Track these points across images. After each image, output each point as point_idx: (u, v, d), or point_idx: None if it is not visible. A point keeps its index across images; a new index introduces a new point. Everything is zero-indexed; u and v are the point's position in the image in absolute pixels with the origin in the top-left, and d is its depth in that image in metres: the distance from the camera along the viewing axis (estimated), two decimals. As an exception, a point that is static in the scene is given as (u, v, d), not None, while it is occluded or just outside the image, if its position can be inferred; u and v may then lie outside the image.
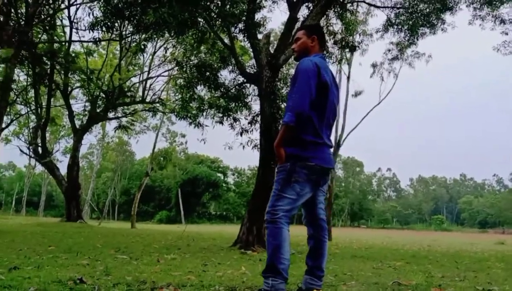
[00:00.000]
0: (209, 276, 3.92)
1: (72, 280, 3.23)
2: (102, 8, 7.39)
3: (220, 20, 8.41)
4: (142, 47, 12.34)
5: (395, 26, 12.53)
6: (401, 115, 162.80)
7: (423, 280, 4.02)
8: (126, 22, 7.91)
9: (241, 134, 10.81)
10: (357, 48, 11.61)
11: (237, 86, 10.49)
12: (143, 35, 10.79)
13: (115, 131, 20.92)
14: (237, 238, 8.51)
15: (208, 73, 9.70)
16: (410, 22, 11.96)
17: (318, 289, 2.82)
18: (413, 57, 16.38)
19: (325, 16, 11.02)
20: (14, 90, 12.92)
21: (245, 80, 10.10)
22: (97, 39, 10.63)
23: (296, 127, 2.67)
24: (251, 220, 8.36)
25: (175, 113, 11.34)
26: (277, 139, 2.76)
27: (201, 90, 10.92)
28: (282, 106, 8.35)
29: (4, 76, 11.68)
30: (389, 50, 15.73)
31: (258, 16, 11.07)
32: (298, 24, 8.93)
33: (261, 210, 8.45)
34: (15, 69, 16.36)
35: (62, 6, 15.57)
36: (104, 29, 7.41)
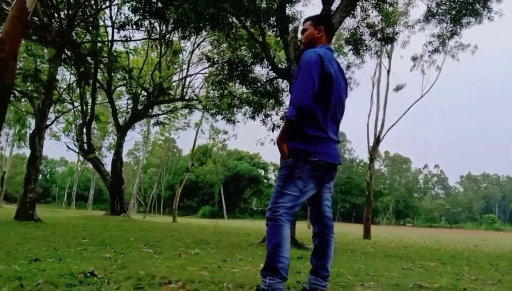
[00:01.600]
0: (222, 273, 3.85)
1: (83, 273, 3.27)
2: (132, 7, 7.53)
3: (251, 15, 8.31)
4: (177, 47, 12.46)
5: (437, 17, 11.91)
6: (447, 110, 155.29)
7: (450, 282, 3.75)
8: (154, 19, 7.99)
9: (272, 130, 10.70)
10: (394, 39, 11.11)
11: (269, 82, 10.36)
12: (180, 33, 10.94)
13: (153, 127, 21.44)
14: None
15: (240, 69, 9.66)
16: (453, 11, 11.30)
17: (323, 290, 2.68)
18: (457, 49, 15.49)
19: (361, 8, 10.67)
20: (59, 88, 13.49)
21: (276, 76, 9.94)
22: (128, 38, 10.86)
23: (299, 121, 2.54)
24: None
25: (207, 109, 11.42)
26: (279, 134, 2.67)
27: (234, 86, 10.91)
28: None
29: (48, 75, 12.21)
30: (430, 42, 14.95)
31: (292, 10, 10.93)
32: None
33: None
34: (62, 68, 17.19)
35: (103, 6, 16.07)
36: (134, 27, 7.57)
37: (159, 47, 14.18)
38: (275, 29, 8.64)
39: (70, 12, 13.38)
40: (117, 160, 20.40)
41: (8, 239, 6.61)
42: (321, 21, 2.93)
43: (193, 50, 20.76)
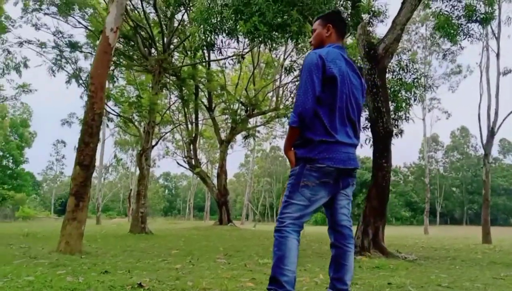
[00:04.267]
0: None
1: (131, 285, 3.51)
2: (202, 29, 7.95)
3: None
4: (241, 59, 12.79)
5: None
6: None
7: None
8: (225, 36, 8.31)
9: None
10: (492, 19, 9.82)
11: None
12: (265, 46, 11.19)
13: (244, 140, 22.06)
14: (352, 242, 8.05)
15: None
16: None
17: None
18: None
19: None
20: (160, 111, 14.82)
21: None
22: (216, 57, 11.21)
23: (303, 127, 2.45)
24: (366, 222, 7.81)
25: (287, 117, 11.41)
26: (284, 142, 2.58)
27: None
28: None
29: (150, 100, 13.45)
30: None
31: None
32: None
33: (377, 212, 7.87)
34: (165, 92, 18.76)
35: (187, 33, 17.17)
36: (206, 49, 8.00)
37: (238, 63, 14.71)
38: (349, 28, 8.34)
39: (165, 40, 14.64)
40: (222, 172, 21.49)
41: (110, 251, 7.39)
42: (329, 19, 2.76)
43: (284, 59, 21.04)
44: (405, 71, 10.52)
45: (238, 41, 8.25)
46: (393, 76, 10.79)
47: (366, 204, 8.14)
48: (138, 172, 14.88)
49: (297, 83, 20.91)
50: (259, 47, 16.06)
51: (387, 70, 9.02)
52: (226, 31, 7.86)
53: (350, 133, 2.57)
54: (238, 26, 7.26)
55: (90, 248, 7.82)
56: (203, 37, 8.10)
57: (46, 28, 14.39)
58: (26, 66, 16.49)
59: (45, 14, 14.04)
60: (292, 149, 2.57)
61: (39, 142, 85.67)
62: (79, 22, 14.95)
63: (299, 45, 9.42)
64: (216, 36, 8.27)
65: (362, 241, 7.68)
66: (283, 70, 10.95)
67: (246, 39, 7.84)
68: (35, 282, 3.52)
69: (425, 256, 8.00)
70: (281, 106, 20.63)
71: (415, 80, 10.56)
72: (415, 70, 11.05)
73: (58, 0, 14.29)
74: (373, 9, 10.10)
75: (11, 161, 41.94)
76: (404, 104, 10.70)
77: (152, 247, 8.55)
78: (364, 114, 9.04)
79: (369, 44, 7.08)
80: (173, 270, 4.70)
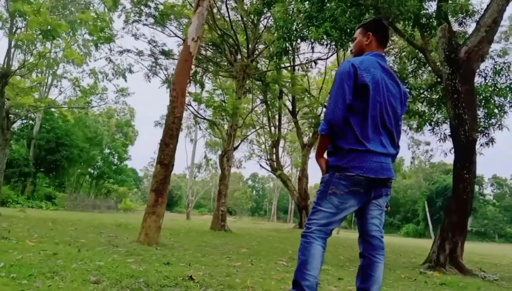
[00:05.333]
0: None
1: (183, 277, 3.78)
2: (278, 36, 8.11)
3: (402, 18, 7.84)
4: (313, 65, 12.60)
5: None
6: None
7: None
8: (299, 42, 8.36)
9: (443, 140, 9.51)
10: None
11: (429, 88, 9.35)
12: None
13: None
14: (427, 257, 7.59)
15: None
16: None
17: None
18: None
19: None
20: (242, 115, 15.36)
21: (438, 80, 8.92)
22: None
23: (334, 135, 2.50)
24: (443, 237, 7.32)
25: None
26: (316, 150, 2.64)
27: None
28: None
29: (233, 105, 14.02)
30: None
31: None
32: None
33: (456, 226, 7.32)
34: (249, 95, 19.31)
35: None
36: (278, 57, 8.15)
37: (310, 68, 14.59)
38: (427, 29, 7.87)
39: (250, 47, 15.14)
40: (303, 176, 21.51)
41: (184, 245, 7.89)
42: (370, 27, 2.76)
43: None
44: (499, 75, 9.61)
45: (312, 48, 8.26)
46: (486, 81, 9.92)
47: (444, 217, 7.64)
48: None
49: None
50: (345, 50, 15.78)
51: (476, 75, 8.36)
52: (300, 37, 7.94)
53: (385, 142, 2.53)
54: (309, 32, 7.30)
55: (168, 240, 8.40)
56: (278, 44, 8.28)
57: (143, 38, 15.82)
58: (131, 71, 18.21)
59: (144, 24, 15.40)
60: (325, 156, 2.62)
61: (140, 141, 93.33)
62: (173, 33, 16.13)
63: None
64: (291, 43, 8.39)
65: (438, 256, 7.23)
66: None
67: (319, 45, 7.81)
68: (103, 266, 3.95)
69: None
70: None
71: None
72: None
73: (155, 12, 15.61)
74: (464, 9, 9.41)
75: (116, 157, 46.37)
76: (498, 111, 9.79)
77: (225, 244, 8.92)
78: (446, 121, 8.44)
79: (449, 48, 6.62)
80: (230, 267, 4.91)
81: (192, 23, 7.92)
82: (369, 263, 2.54)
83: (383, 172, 2.47)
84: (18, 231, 7.30)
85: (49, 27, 9.39)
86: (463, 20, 9.54)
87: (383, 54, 2.74)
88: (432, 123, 9.75)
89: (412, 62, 9.61)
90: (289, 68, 19.43)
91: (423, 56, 9.27)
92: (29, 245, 5.36)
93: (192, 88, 15.75)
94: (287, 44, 8.20)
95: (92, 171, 45.62)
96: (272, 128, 21.52)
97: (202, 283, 3.65)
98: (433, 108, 9.71)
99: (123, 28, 15.52)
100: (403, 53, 9.80)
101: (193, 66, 15.89)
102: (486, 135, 9.43)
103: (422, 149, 34.93)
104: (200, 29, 7.90)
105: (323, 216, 2.49)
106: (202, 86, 16.22)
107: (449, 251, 7.16)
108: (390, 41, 9.79)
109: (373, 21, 2.81)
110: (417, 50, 9.30)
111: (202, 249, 7.43)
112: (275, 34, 8.24)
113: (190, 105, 15.27)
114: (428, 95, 9.60)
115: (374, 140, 2.48)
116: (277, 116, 21.42)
